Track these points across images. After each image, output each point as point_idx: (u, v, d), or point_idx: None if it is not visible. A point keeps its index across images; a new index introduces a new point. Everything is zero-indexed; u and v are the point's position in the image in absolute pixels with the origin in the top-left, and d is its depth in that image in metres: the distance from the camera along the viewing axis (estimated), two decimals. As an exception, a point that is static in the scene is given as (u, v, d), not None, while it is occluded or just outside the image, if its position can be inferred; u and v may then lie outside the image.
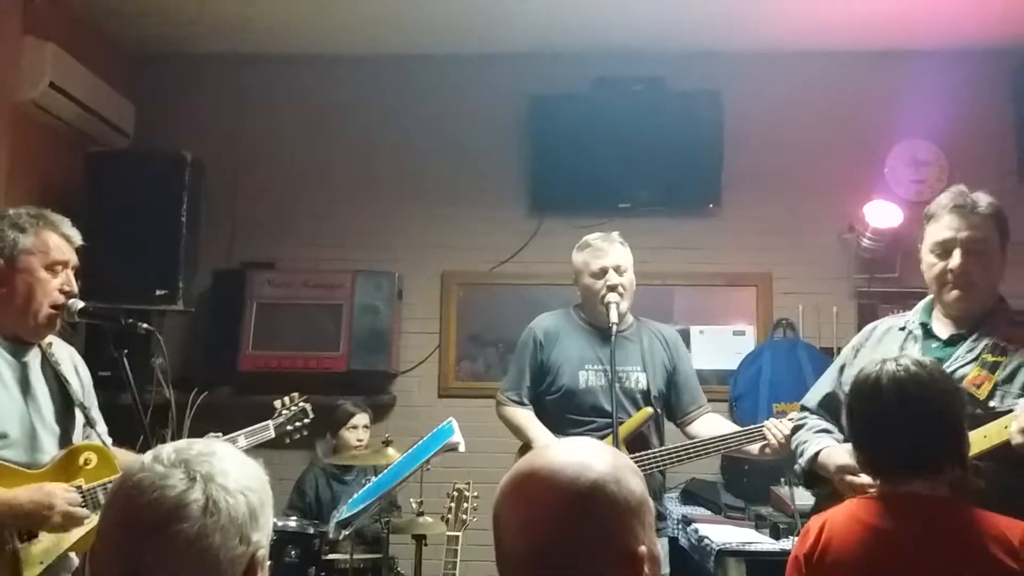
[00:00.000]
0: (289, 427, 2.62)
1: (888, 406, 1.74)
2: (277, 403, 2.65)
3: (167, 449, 1.18)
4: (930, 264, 2.21)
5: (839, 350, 4.33)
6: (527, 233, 4.57)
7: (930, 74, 4.35)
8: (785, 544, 3.10)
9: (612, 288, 2.91)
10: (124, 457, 2.26)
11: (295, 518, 3.55)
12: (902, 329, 2.29)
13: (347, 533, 2.77)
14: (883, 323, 2.38)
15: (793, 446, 2.42)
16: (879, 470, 1.78)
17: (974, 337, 2.15)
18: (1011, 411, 1.97)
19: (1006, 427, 1.91)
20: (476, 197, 4.63)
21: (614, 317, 2.87)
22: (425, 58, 4.64)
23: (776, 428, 2.75)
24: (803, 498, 3.38)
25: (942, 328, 2.22)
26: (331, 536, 3.20)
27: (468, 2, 4.06)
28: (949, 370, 2.08)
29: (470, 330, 4.66)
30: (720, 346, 4.46)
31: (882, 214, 4.27)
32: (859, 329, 4.33)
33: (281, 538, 3.26)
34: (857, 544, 1.69)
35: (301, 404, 2.66)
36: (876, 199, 4.30)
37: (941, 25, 4.15)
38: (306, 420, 2.67)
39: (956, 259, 2.13)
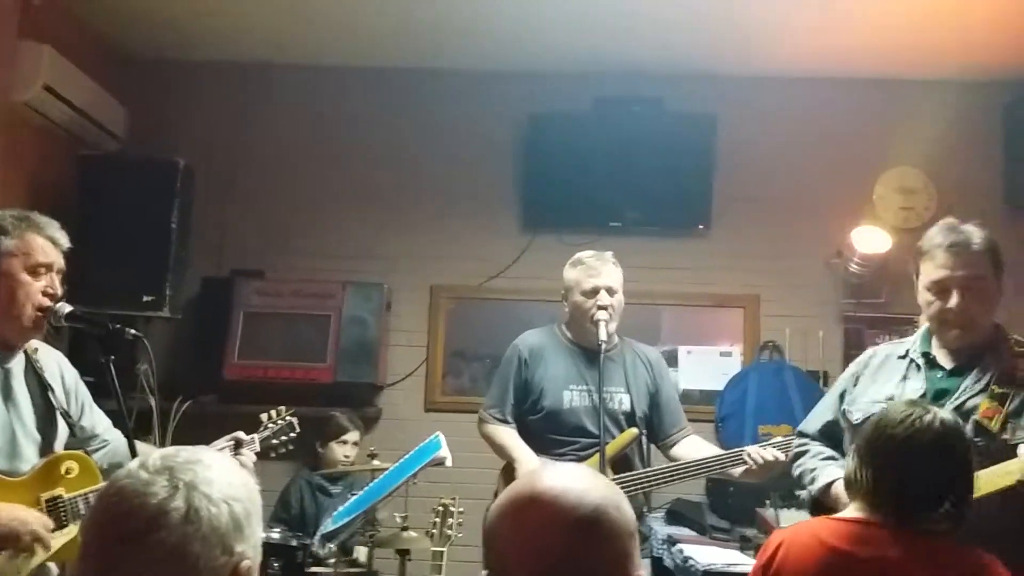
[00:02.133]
0: (274, 441, 2.59)
1: (925, 455, 1.73)
2: (263, 416, 2.63)
3: (154, 456, 1.17)
4: (927, 302, 2.19)
5: (826, 374, 4.43)
6: (518, 249, 4.58)
7: (921, 103, 4.40)
8: (769, 567, 3.10)
9: (602, 308, 2.90)
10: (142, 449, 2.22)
11: (279, 530, 3.52)
12: (902, 357, 2.26)
13: (332, 546, 2.75)
14: (880, 351, 2.36)
15: (796, 472, 2.38)
16: (888, 508, 1.75)
17: (979, 367, 2.13)
18: (1021, 443, 1.96)
19: (1008, 471, 1.90)
20: (468, 211, 4.64)
21: (603, 336, 2.86)
22: (424, 72, 4.65)
23: (756, 453, 2.75)
24: (788, 519, 3.39)
25: (945, 358, 2.20)
26: (315, 549, 3.17)
27: (473, 19, 4.09)
28: (958, 401, 2.08)
29: (458, 344, 4.66)
30: (707, 367, 4.47)
31: (870, 240, 4.30)
32: (845, 353, 4.45)
33: (265, 550, 3.21)
34: (813, 562, 1.69)
35: (288, 418, 2.64)
36: (864, 225, 4.33)
37: (933, 55, 4.21)
38: (292, 434, 2.64)
39: (955, 299, 2.12)
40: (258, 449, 2.53)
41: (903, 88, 4.47)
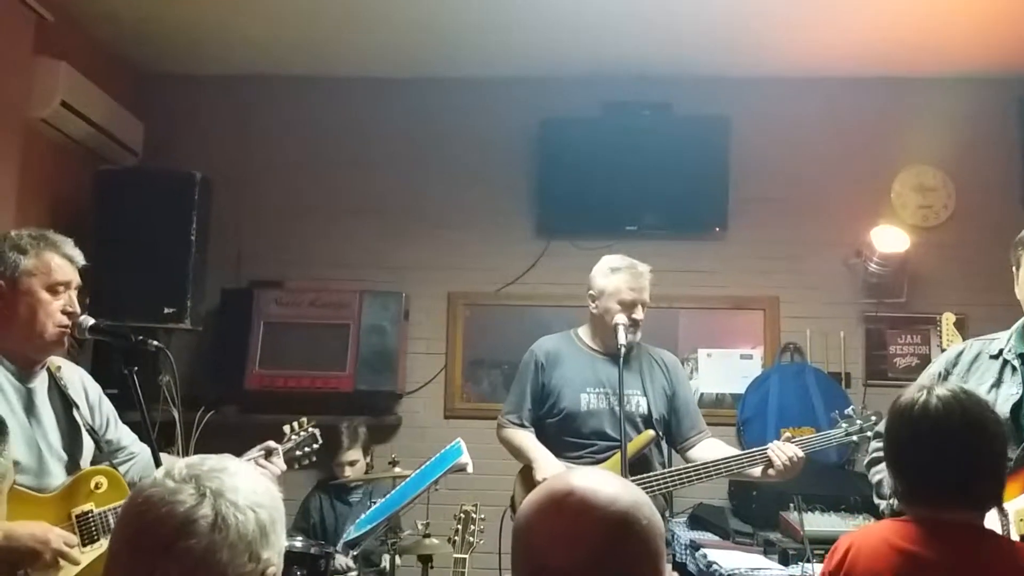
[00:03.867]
0: (298, 452, 2.61)
1: (939, 433, 1.68)
2: (286, 428, 2.64)
3: (180, 464, 1.18)
4: None
5: (847, 375, 4.39)
6: (534, 255, 4.58)
7: (936, 100, 4.38)
8: (794, 570, 3.07)
9: (636, 321, 2.93)
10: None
11: (301, 538, 3.52)
12: (994, 357, 2.18)
13: (355, 553, 2.75)
14: (970, 348, 2.26)
15: (874, 480, 2.29)
16: (919, 497, 1.72)
17: None
18: None
19: None
20: (483, 218, 4.64)
21: (623, 339, 2.86)
22: (438, 81, 4.67)
23: (781, 451, 2.73)
24: (812, 523, 3.36)
25: None
26: (338, 557, 3.17)
27: (481, 27, 4.10)
28: None
29: (476, 351, 4.66)
30: (727, 370, 4.45)
31: (889, 239, 4.27)
32: (867, 354, 4.42)
33: (287, 558, 3.22)
34: (885, 566, 1.65)
35: (310, 429, 2.65)
36: (883, 224, 4.30)
37: (948, 52, 4.18)
38: (315, 445, 2.65)
39: None
40: (282, 461, 2.54)
41: (918, 86, 4.44)
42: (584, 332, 3.12)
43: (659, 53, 4.30)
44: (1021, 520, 1.90)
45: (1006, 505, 1.89)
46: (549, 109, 4.61)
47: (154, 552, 1.11)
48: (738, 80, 4.52)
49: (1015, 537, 1.89)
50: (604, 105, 4.61)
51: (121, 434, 2.42)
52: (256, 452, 2.45)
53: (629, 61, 4.39)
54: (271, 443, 2.49)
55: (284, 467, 2.48)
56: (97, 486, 2.21)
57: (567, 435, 2.97)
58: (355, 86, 4.72)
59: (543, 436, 3.02)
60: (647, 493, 2.81)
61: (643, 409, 2.97)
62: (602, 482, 1.19)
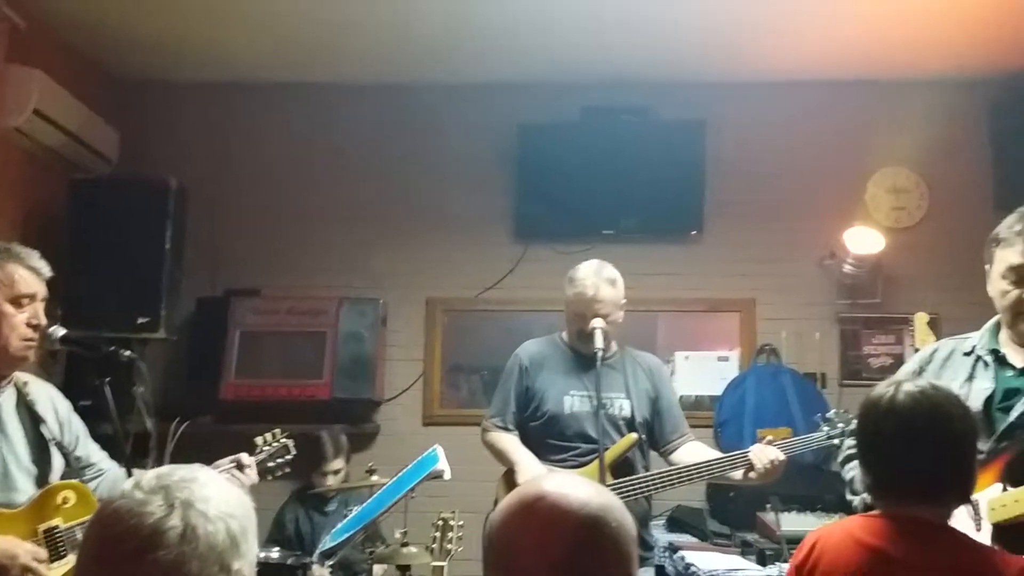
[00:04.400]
0: (270, 464, 2.59)
1: (905, 427, 1.68)
2: (258, 440, 2.62)
3: (148, 475, 1.17)
4: (1003, 291, 2.13)
5: (823, 375, 4.43)
6: (512, 260, 4.59)
7: (909, 103, 4.43)
8: (772, 570, 3.09)
9: (595, 329, 2.91)
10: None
11: (277, 550, 3.50)
12: (967, 354, 2.21)
13: (331, 563, 2.74)
14: (943, 346, 2.29)
15: (848, 476, 2.30)
16: (886, 492, 1.73)
17: None
18: None
19: None
20: (461, 224, 4.64)
21: (599, 343, 2.87)
22: (414, 86, 4.67)
23: (762, 454, 2.75)
24: (789, 523, 3.39)
25: (1015, 355, 2.14)
26: (315, 568, 3.15)
27: (459, 32, 4.10)
28: None
29: (455, 357, 4.65)
30: (704, 372, 4.47)
31: (863, 240, 4.31)
32: (842, 354, 4.46)
33: (263, 570, 3.20)
34: (849, 561, 1.67)
35: (283, 440, 2.63)
36: (857, 226, 4.35)
37: (920, 56, 4.23)
38: (288, 456, 2.63)
39: None
40: (255, 473, 2.53)
41: (891, 89, 4.49)
42: (568, 336, 3.13)
43: (637, 58, 4.33)
44: (992, 509, 1.93)
45: (978, 495, 1.92)
46: (527, 114, 4.62)
47: (122, 564, 1.10)
48: (714, 85, 4.55)
49: (987, 526, 1.92)
50: (582, 110, 4.63)
51: (90, 451, 2.40)
52: (227, 464, 2.43)
53: (607, 66, 4.41)
54: (243, 456, 2.47)
55: (256, 479, 2.46)
56: (64, 501, 2.18)
57: (551, 438, 2.98)
58: (329, 93, 4.70)
59: (527, 439, 3.02)
60: (629, 496, 2.81)
61: (626, 412, 2.98)
62: (573, 487, 1.20)
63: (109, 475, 2.37)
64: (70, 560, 2.09)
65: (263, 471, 2.53)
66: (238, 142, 4.71)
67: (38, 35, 3.92)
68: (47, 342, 2.20)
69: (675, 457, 3.03)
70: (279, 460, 2.60)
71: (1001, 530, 1.91)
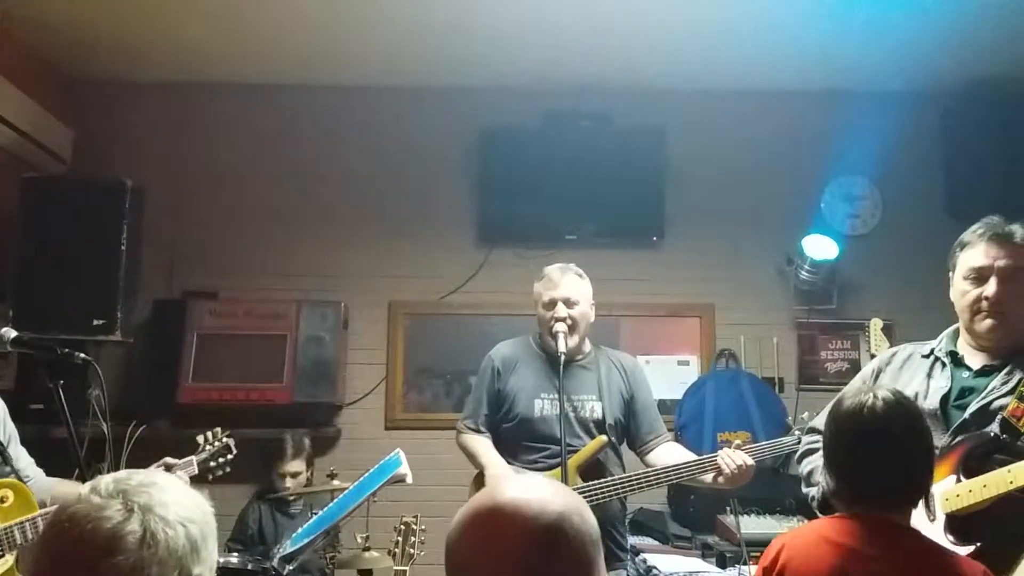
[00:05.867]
0: (212, 463, 2.57)
1: (877, 435, 1.73)
2: (200, 438, 2.61)
3: (106, 480, 1.15)
4: (963, 291, 2.18)
5: (780, 380, 4.50)
6: (475, 264, 4.59)
7: (865, 113, 4.51)
8: (731, 572, 3.13)
9: (560, 319, 2.92)
10: (62, 488, 2.18)
11: (237, 554, 3.45)
12: (926, 356, 2.26)
13: (292, 568, 2.70)
14: (903, 350, 2.35)
15: (805, 470, 2.34)
16: (856, 498, 1.76)
17: (1008, 369, 2.13)
18: None
19: (1010, 481, 1.89)
20: (424, 227, 4.63)
21: (562, 347, 2.88)
22: (377, 89, 4.65)
23: (729, 458, 2.76)
24: (748, 526, 3.43)
25: (972, 358, 2.20)
26: (275, 571, 3.12)
27: (421, 36, 4.10)
28: (985, 400, 2.08)
29: (417, 361, 4.63)
30: (665, 376, 4.51)
31: (819, 247, 4.40)
32: (800, 359, 4.54)
33: (224, 575, 3.16)
34: (823, 561, 1.68)
35: (224, 439, 2.61)
36: (813, 233, 4.43)
37: (876, 67, 4.33)
38: (229, 456, 2.62)
39: (992, 287, 2.12)
40: (196, 471, 2.51)
41: (847, 99, 4.58)
42: (539, 337, 3.13)
43: (598, 65, 4.37)
44: (947, 500, 2.00)
45: (934, 487, 1.98)
46: (489, 118, 4.63)
47: (79, 570, 1.08)
48: (674, 92, 4.61)
49: (940, 515, 1.99)
50: (544, 115, 4.65)
51: (19, 454, 2.35)
52: (154, 468, 2.40)
53: (569, 72, 4.44)
54: (169, 459, 2.46)
55: (186, 479, 2.44)
56: (2, 499, 2.13)
57: (522, 440, 2.97)
58: (292, 94, 4.67)
59: (500, 441, 3.02)
60: (597, 500, 2.80)
61: (597, 414, 2.97)
62: (530, 493, 1.16)
63: (34, 484, 2.33)
64: (8, 560, 2.04)
65: (204, 470, 2.52)
66: (196, 142, 4.65)
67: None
68: (-2, 344, 2.14)
69: (650, 458, 3.02)
70: (220, 460, 2.59)
71: (953, 519, 1.98)
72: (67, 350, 2.19)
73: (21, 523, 2.07)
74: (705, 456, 2.86)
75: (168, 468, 2.44)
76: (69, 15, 3.92)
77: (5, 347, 2.16)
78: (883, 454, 1.73)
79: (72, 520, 1.10)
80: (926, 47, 4.10)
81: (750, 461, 2.76)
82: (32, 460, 2.37)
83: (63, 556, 1.09)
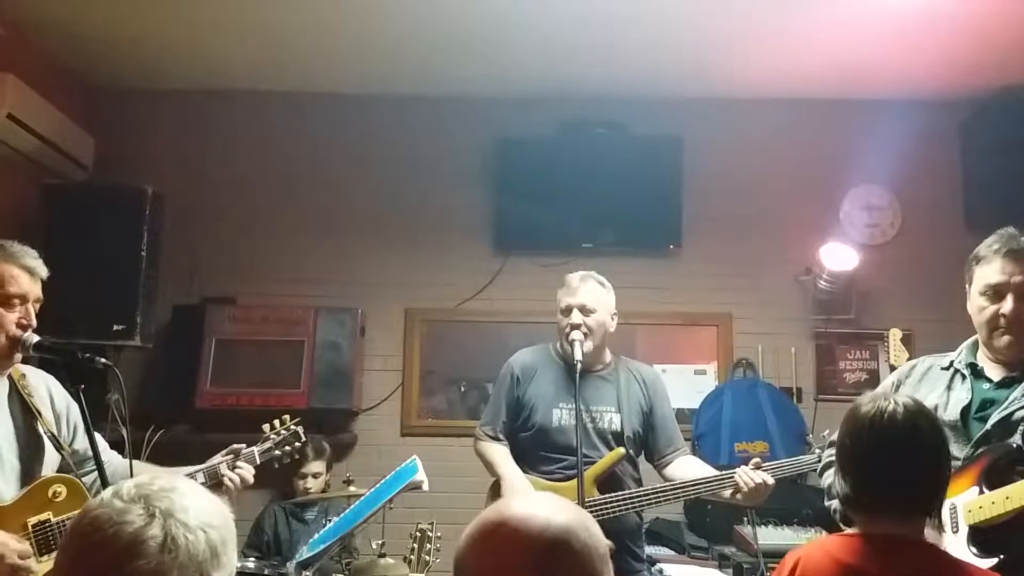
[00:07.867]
0: (277, 452, 2.57)
1: (896, 441, 1.70)
2: (266, 427, 2.60)
3: (128, 484, 1.15)
4: (980, 307, 2.18)
5: (799, 390, 4.47)
6: (491, 271, 4.59)
7: (884, 122, 4.50)
8: (748, 583, 3.11)
9: (575, 327, 2.91)
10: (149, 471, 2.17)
11: (253, 559, 3.47)
12: (945, 368, 2.26)
13: (308, 574, 2.71)
14: (922, 362, 2.34)
15: (825, 483, 2.31)
16: (871, 504, 1.73)
17: None
18: None
19: None
20: (441, 235, 4.65)
21: (578, 355, 2.86)
22: (395, 99, 4.68)
23: (747, 475, 2.72)
24: (766, 537, 3.41)
25: (992, 370, 2.19)
26: (291, 577, 3.13)
27: (439, 46, 4.12)
28: (1007, 411, 2.06)
29: (433, 368, 4.64)
30: (682, 385, 4.49)
31: (837, 257, 4.37)
32: (818, 369, 4.51)
33: (239, 580, 3.18)
34: None
35: (293, 427, 2.61)
36: (832, 242, 4.40)
37: (895, 76, 4.31)
38: (297, 444, 2.63)
39: (1009, 304, 2.12)
40: (258, 462, 2.50)
41: (866, 108, 4.57)
42: (559, 346, 3.11)
43: (614, 74, 4.37)
44: (970, 511, 1.98)
45: (956, 499, 1.98)
46: (506, 128, 4.65)
47: (101, 573, 1.08)
48: (691, 101, 4.60)
49: (964, 527, 1.97)
50: (560, 125, 4.66)
51: (90, 443, 2.36)
52: (221, 457, 2.41)
53: (585, 82, 4.45)
54: (239, 445, 2.45)
55: (251, 476, 2.43)
56: (55, 495, 2.15)
57: (540, 450, 2.95)
58: (311, 103, 4.70)
59: (518, 450, 2.99)
60: (611, 514, 2.77)
61: (615, 426, 2.94)
62: (537, 507, 1.17)
63: (111, 467, 2.32)
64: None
65: (270, 459, 2.52)
66: (216, 150, 4.69)
67: (13, 40, 3.89)
68: (20, 348, 2.16)
69: (668, 472, 2.98)
70: (287, 448, 2.59)
71: (976, 531, 1.96)
72: (88, 355, 2.20)
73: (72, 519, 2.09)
74: (724, 472, 2.82)
75: (236, 455, 2.43)
76: (92, 25, 3.97)
77: (28, 352, 2.17)
78: (903, 460, 1.70)
79: (94, 524, 1.11)
80: (945, 57, 4.07)
81: (770, 480, 2.71)
82: (107, 445, 2.38)
83: (85, 560, 1.10)
